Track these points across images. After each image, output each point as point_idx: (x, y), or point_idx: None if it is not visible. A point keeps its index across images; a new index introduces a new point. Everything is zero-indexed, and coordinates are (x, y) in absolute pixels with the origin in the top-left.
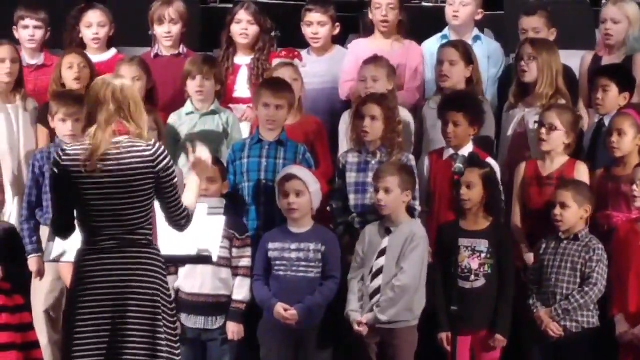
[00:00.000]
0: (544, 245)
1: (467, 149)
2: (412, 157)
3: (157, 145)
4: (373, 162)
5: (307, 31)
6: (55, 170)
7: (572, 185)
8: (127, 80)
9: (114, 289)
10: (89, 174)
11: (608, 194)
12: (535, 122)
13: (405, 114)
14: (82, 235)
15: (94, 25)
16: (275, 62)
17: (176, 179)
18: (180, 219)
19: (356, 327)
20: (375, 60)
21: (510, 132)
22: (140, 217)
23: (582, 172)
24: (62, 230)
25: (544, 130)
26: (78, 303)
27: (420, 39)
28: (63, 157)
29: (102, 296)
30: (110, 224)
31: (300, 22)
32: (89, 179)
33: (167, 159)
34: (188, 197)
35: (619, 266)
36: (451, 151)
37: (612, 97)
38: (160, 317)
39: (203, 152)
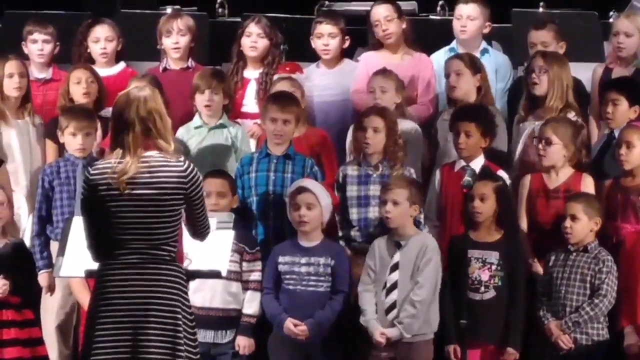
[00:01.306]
0: (553, 257)
1: (479, 161)
2: (413, 170)
3: (188, 162)
4: (375, 175)
5: (318, 43)
6: (85, 188)
7: (582, 198)
8: (148, 92)
9: (135, 304)
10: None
11: (617, 205)
12: (534, 137)
13: (412, 127)
14: (106, 248)
15: (101, 39)
16: (275, 77)
17: (204, 198)
18: (204, 229)
19: (377, 338)
20: (384, 72)
21: (520, 145)
22: (167, 232)
23: (588, 185)
24: (101, 253)
25: (541, 146)
26: (98, 318)
27: (427, 52)
28: (92, 172)
29: (123, 311)
30: (137, 237)
31: (306, 35)
32: (118, 191)
33: (198, 175)
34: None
35: (627, 277)
36: (462, 163)
37: (622, 110)
38: (181, 335)
39: None
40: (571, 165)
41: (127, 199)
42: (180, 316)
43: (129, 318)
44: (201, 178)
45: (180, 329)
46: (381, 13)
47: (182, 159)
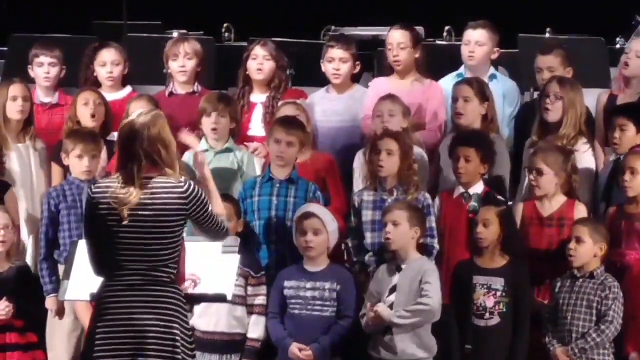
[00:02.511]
0: (559, 284)
1: (478, 188)
2: (428, 195)
3: (188, 182)
4: (390, 200)
5: (329, 67)
6: (87, 207)
7: (590, 222)
8: (151, 118)
9: (134, 326)
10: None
11: (621, 232)
12: (525, 168)
13: (418, 152)
14: (106, 269)
15: (108, 63)
16: (280, 103)
17: (209, 206)
18: (220, 231)
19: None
20: (391, 97)
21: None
22: (167, 253)
23: (581, 213)
24: (105, 270)
25: (532, 176)
26: (97, 340)
27: (434, 78)
28: (94, 190)
29: (122, 333)
30: (136, 258)
31: (312, 60)
32: (118, 212)
33: (199, 194)
34: (216, 206)
35: (633, 304)
36: (461, 189)
37: (630, 136)
38: (179, 357)
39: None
40: (563, 193)
41: (128, 220)
42: (179, 338)
43: (127, 340)
44: (203, 193)
45: (179, 350)
46: (396, 39)
47: (182, 179)
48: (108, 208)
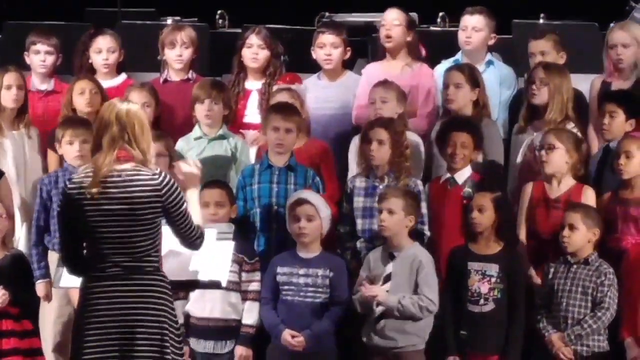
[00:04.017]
0: (552, 269)
1: (466, 172)
2: (419, 182)
3: (163, 174)
4: (381, 186)
5: (320, 53)
6: (63, 199)
7: (581, 208)
8: (136, 105)
9: (121, 317)
10: (94, 200)
11: (616, 218)
12: (535, 147)
13: (414, 138)
14: (89, 261)
15: (103, 50)
16: (275, 88)
17: (185, 204)
18: (194, 239)
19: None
20: (385, 83)
21: (519, 156)
22: (146, 244)
23: (589, 197)
24: (75, 265)
25: (543, 152)
26: (84, 330)
27: (428, 64)
28: (69, 185)
29: (108, 324)
30: (117, 250)
31: (306, 46)
32: (93, 206)
33: (174, 187)
34: (194, 216)
35: (629, 289)
36: (447, 175)
37: (619, 123)
38: (167, 345)
39: (184, 167)
40: (573, 177)
41: (103, 214)
42: (166, 325)
43: (115, 329)
44: (179, 190)
45: (167, 337)
46: (390, 16)
47: (157, 171)
48: (84, 199)
